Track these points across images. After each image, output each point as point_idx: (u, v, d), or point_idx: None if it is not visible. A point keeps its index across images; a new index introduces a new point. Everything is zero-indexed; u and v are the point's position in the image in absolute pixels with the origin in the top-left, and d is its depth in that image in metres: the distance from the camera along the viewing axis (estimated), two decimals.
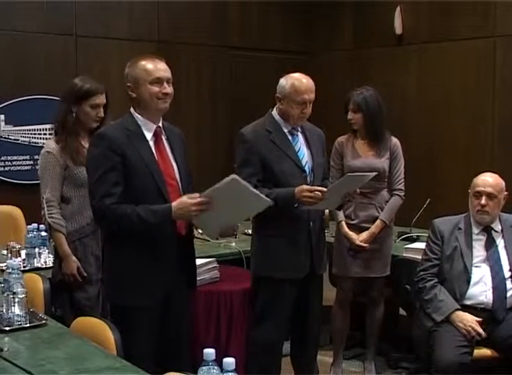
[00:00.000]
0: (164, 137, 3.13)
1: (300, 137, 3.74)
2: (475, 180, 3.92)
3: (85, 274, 3.58)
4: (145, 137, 3.04)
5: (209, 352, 1.99)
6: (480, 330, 3.64)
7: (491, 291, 3.76)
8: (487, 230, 3.89)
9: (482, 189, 3.85)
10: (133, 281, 3.01)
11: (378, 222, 4.21)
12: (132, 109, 3.09)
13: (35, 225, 4.13)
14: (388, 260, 4.33)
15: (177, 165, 3.11)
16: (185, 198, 2.91)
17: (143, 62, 3.05)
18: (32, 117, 5.56)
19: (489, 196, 3.83)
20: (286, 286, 3.66)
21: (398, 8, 6.47)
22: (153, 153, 3.04)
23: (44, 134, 5.64)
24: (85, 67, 5.79)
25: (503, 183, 3.92)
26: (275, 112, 3.72)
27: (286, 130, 3.70)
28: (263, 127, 3.67)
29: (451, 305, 3.68)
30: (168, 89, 3.05)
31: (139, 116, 3.06)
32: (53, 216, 3.56)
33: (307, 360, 3.98)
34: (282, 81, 3.66)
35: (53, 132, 3.75)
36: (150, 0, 6.26)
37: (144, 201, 2.95)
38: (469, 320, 3.65)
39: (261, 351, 3.75)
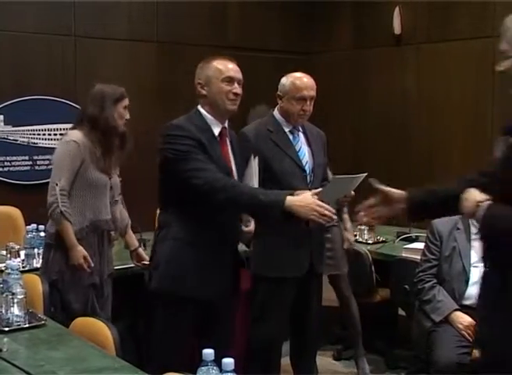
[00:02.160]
0: (228, 139, 3.19)
1: (301, 136, 3.75)
2: None
3: (92, 264, 3.57)
4: (213, 134, 3.10)
5: (208, 353, 1.99)
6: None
7: None
8: None
9: None
10: (192, 274, 3.05)
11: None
12: (199, 106, 3.15)
13: (34, 225, 4.13)
14: (343, 257, 4.43)
15: (236, 167, 3.18)
16: (309, 196, 2.89)
17: (216, 61, 3.12)
18: (31, 118, 5.56)
19: None
20: (284, 285, 3.66)
21: (397, 9, 6.47)
22: (221, 148, 3.11)
23: (44, 135, 5.64)
24: (84, 68, 5.79)
25: None
26: (276, 112, 3.74)
27: (287, 130, 3.72)
28: (264, 127, 3.69)
29: (450, 305, 3.69)
30: (239, 89, 3.11)
31: (206, 114, 3.12)
32: (65, 204, 3.53)
33: (307, 361, 3.99)
34: (283, 79, 3.71)
35: (76, 125, 3.71)
36: (149, 0, 6.25)
37: None
38: (468, 322, 3.66)
39: (261, 352, 3.75)
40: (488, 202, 2.28)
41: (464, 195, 2.36)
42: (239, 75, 3.13)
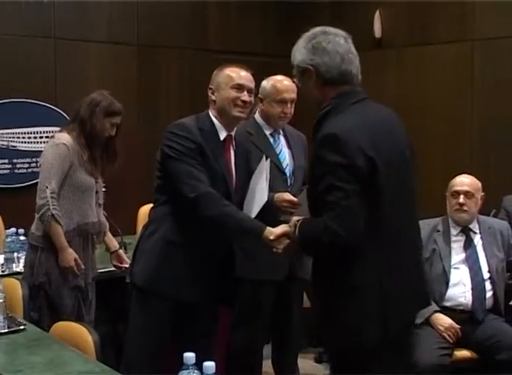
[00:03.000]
0: (232, 147, 3.18)
1: (282, 139, 3.76)
2: (452, 181, 3.97)
3: (83, 266, 3.57)
4: (219, 138, 3.11)
5: (189, 356, 1.99)
6: (459, 333, 3.68)
7: (470, 292, 3.79)
8: (465, 231, 3.93)
9: (460, 188, 3.91)
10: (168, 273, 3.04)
11: None
12: (209, 111, 3.16)
13: (14, 229, 4.10)
14: None
15: (236, 177, 3.16)
16: (282, 228, 2.77)
17: (229, 69, 3.14)
18: (11, 121, 5.51)
19: (467, 195, 3.88)
20: (264, 288, 3.67)
21: (377, 12, 6.49)
22: (223, 154, 3.11)
23: (23, 138, 5.59)
24: (64, 70, 5.76)
25: (479, 183, 3.97)
26: (257, 115, 3.75)
27: (267, 133, 3.72)
28: (244, 129, 3.67)
29: (430, 307, 3.70)
30: (248, 97, 3.10)
31: (214, 119, 3.13)
32: (56, 207, 3.51)
33: (288, 363, 3.99)
34: (264, 82, 3.72)
35: (63, 129, 3.72)
36: (129, 2, 6.23)
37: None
38: (448, 323, 3.68)
39: (242, 354, 3.75)
40: (301, 219, 2.50)
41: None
42: (250, 84, 3.13)
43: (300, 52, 2.51)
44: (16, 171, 5.56)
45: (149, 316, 3.07)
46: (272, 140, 3.72)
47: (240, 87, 3.08)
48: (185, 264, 3.04)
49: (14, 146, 5.59)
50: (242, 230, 2.97)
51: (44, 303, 3.55)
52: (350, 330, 2.37)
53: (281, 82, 3.66)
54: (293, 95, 3.66)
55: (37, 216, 3.56)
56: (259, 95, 3.69)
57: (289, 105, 3.65)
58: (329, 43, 2.46)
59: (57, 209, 3.51)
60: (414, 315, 2.64)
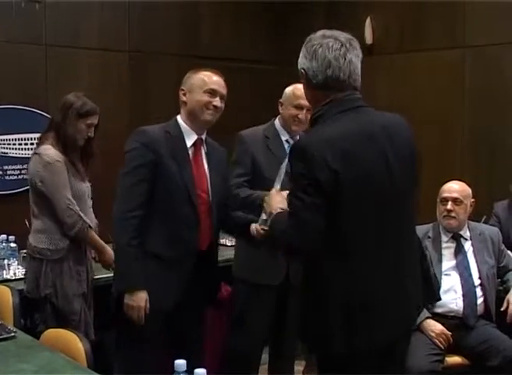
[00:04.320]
0: (203, 150, 3.17)
1: None
2: (442, 188, 3.99)
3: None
4: (185, 144, 3.09)
5: (180, 363, 1.98)
6: (450, 339, 3.68)
7: (461, 298, 3.79)
8: (456, 237, 3.94)
9: (448, 195, 3.92)
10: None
11: None
12: (178, 116, 3.16)
13: (4, 236, 4.09)
14: None
15: (210, 179, 3.14)
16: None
17: (203, 73, 3.16)
18: (1, 127, 5.48)
19: (455, 201, 3.90)
20: (261, 291, 3.67)
21: (368, 19, 6.52)
22: (189, 161, 3.08)
23: (14, 144, 5.57)
24: (55, 77, 5.74)
25: (469, 189, 3.98)
26: (277, 121, 3.82)
27: (283, 138, 3.77)
28: (262, 133, 3.77)
29: (422, 313, 3.70)
30: (219, 103, 3.12)
31: (183, 124, 3.13)
32: (85, 219, 3.57)
33: (285, 371, 3.97)
34: (287, 88, 3.81)
35: (43, 137, 3.70)
36: (120, 9, 6.23)
37: (171, 203, 3.00)
38: (439, 330, 3.69)
39: (237, 358, 3.75)
40: (279, 211, 2.51)
41: (266, 198, 2.67)
42: (223, 90, 3.15)
43: (300, 54, 2.54)
44: (7, 178, 5.54)
45: (135, 330, 3.01)
46: (286, 146, 3.75)
47: (213, 92, 3.10)
48: (154, 273, 2.99)
49: (5, 153, 5.57)
50: None
51: (51, 315, 3.53)
52: (316, 339, 2.42)
53: (301, 89, 3.66)
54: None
55: (70, 233, 3.54)
56: (280, 100, 3.79)
57: (304, 112, 3.68)
58: (320, 47, 2.45)
59: (85, 217, 3.57)
60: (390, 334, 2.42)
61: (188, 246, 3.05)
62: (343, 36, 2.49)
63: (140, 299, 2.94)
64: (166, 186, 3.00)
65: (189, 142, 3.11)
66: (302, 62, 2.51)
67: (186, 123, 3.13)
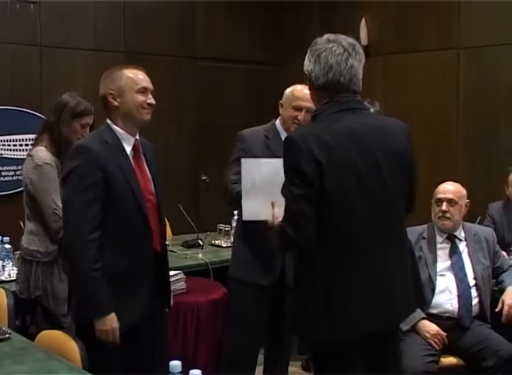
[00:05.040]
0: (141, 151, 3.07)
1: None
2: (437, 189, 4.00)
3: None
4: (125, 151, 2.98)
5: (175, 364, 1.98)
6: (445, 339, 3.69)
7: (456, 299, 3.79)
8: (451, 238, 3.94)
9: (443, 196, 3.93)
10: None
11: None
12: (109, 121, 3.01)
13: None
14: None
15: (153, 179, 3.08)
16: None
17: (127, 70, 3.01)
18: None
19: (450, 202, 3.90)
20: (255, 292, 3.65)
21: (363, 20, 6.52)
22: (133, 168, 2.98)
23: (9, 145, 5.57)
24: (50, 78, 5.74)
25: (464, 190, 3.98)
26: (278, 121, 3.81)
27: (283, 138, 3.73)
28: (262, 132, 3.75)
29: (417, 314, 3.70)
30: (153, 100, 3.02)
31: (118, 129, 2.98)
32: None
33: (280, 372, 3.98)
34: (287, 89, 3.79)
35: (38, 139, 3.65)
36: (115, 10, 6.23)
37: (124, 217, 2.89)
38: (435, 330, 3.69)
39: (233, 359, 3.74)
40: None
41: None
42: (151, 85, 3.04)
43: (306, 57, 2.65)
44: (2, 179, 5.54)
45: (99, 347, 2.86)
46: None
47: (145, 91, 2.99)
48: (116, 291, 2.86)
49: (0, 154, 5.57)
50: None
51: (42, 316, 3.51)
52: (304, 327, 2.55)
53: (300, 90, 3.70)
54: (309, 104, 3.54)
55: (56, 237, 3.48)
56: (280, 101, 3.77)
57: (303, 113, 3.66)
58: (324, 52, 2.56)
59: None
60: (370, 327, 2.49)
61: (144, 256, 2.97)
62: (347, 41, 2.60)
63: (111, 321, 2.83)
64: (117, 200, 2.88)
65: (128, 148, 2.99)
66: (306, 64, 2.63)
67: (122, 128, 2.98)
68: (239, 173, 3.52)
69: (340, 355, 2.50)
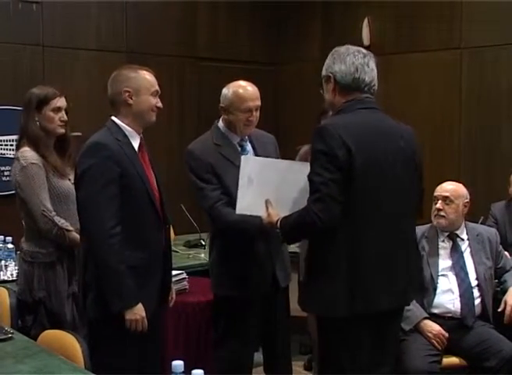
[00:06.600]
0: (145, 148, 3.14)
1: (250, 146, 3.59)
2: (436, 188, 4.00)
3: None
4: (134, 148, 3.05)
5: (178, 364, 1.98)
6: (447, 340, 3.68)
7: (458, 299, 3.79)
8: (452, 237, 3.93)
9: (438, 193, 3.94)
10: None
11: None
12: (115, 119, 3.06)
13: (1, 237, 4.08)
14: None
15: (155, 176, 3.16)
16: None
17: (143, 72, 3.10)
18: None
19: (445, 200, 3.90)
20: (248, 305, 3.51)
21: (365, 20, 6.52)
22: (141, 164, 3.06)
23: (11, 145, 5.57)
24: (52, 78, 5.74)
25: (465, 190, 3.97)
26: (221, 124, 3.58)
27: (235, 142, 3.56)
28: (211, 142, 3.53)
29: (419, 314, 3.71)
30: (161, 104, 3.12)
31: (126, 126, 3.05)
32: (61, 220, 3.48)
33: (282, 372, 3.88)
34: (224, 91, 3.54)
35: (19, 143, 3.62)
36: (118, 10, 6.23)
37: (138, 211, 2.99)
38: (437, 330, 3.69)
39: (228, 369, 3.57)
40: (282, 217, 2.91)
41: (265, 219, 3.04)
42: (159, 89, 3.14)
43: (325, 65, 2.91)
44: (4, 179, 5.54)
45: (119, 347, 2.99)
46: (240, 148, 3.54)
47: (157, 94, 3.11)
48: (136, 283, 2.98)
49: (1, 154, 5.57)
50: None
51: (45, 317, 3.50)
52: (322, 302, 2.76)
53: (244, 88, 3.48)
54: (258, 102, 3.49)
55: (48, 237, 3.49)
56: (221, 104, 3.53)
57: (254, 113, 3.47)
58: (348, 55, 2.84)
59: (62, 222, 3.48)
60: (390, 301, 2.80)
61: (156, 248, 3.07)
62: (363, 51, 2.92)
63: (140, 310, 2.95)
64: (132, 194, 2.97)
65: (135, 144, 3.06)
66: (329, 67, 2.87)
67: (129, 125, 3.05)
68: (216, 190, 3.41)
69: (349, 328, 2.73)
